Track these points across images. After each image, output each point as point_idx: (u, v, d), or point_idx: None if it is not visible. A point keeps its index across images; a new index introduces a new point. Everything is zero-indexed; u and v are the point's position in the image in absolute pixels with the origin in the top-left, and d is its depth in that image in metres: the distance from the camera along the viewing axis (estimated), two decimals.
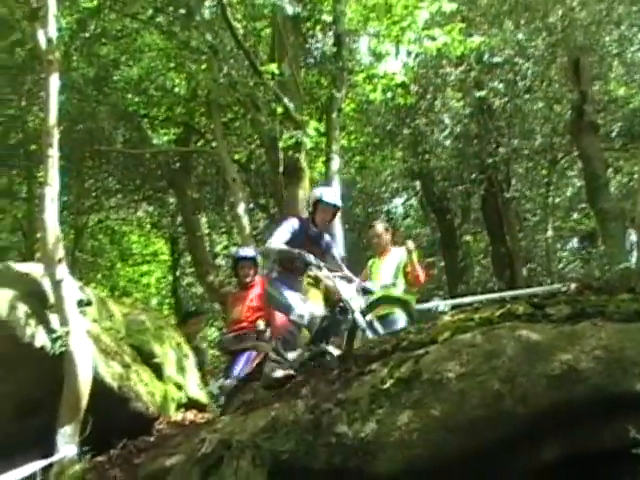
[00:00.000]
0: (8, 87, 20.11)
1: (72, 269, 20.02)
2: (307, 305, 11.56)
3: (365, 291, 11.66)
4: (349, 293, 11.14)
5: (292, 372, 11.08)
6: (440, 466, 7.21)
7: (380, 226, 13.61)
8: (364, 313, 11.09)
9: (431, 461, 7.29)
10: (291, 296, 11.35)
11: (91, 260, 26.64)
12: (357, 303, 11.14)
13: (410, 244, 12.86)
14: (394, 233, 13.98)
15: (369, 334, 10.92)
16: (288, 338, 11.49)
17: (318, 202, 11.54)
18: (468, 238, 24.81)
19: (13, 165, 22.33)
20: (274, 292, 11.66)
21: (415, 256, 12.83)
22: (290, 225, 11.71)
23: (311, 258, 11.08)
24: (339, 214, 12.34)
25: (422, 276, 12.92)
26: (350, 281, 11.53)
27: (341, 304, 11.19)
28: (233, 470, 7.73)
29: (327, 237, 11.80)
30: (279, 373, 11.11)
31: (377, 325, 11.33)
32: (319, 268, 11.30)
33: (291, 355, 11.45)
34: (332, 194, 11.83)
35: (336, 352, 11.02)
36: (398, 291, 12.78)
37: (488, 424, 7.24)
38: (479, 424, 7.25)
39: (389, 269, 12.87)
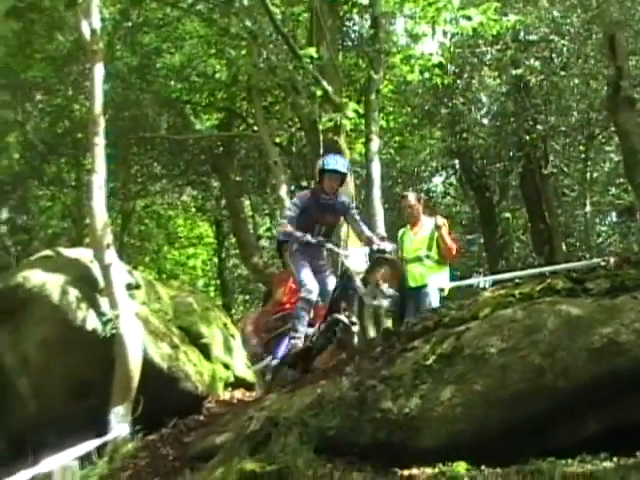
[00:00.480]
0: (54, 77, 20.22)
1: (120, 253, 20.23)
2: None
3: (381, 251, 11.63)
4: (352, 262, 11.17)
5: (310, 345, 11.13)
6: (482, 440, 7.13)
7: (412, 196, 13.52)
8: (366, 279, 11.08)
9: (474, 435, 7.24)
10: (304, 271, 11.34)
11: (138, 244, 26.78)
12: (358, 270, 11.15)
13: (439, 219, 12.81)
14: (426, 203, 13.92)
15: (369, 301, 10.96)
16: (301, 314, 11.46)
17: (322, 171, 11.55)
18: (507, 215, 24.67)
19: (61, 153, 22.48)
20: (292, 266, 11.69)
21: (445, 231, 12.77)
22: (297, 200, 11.73)
23: (308, 238, 11.04)
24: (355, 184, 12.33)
25: (454, 249, 12.88)
26: (369, 242, 11.52)
27: (348, 273, 11.23)
28: (281, 446, 7.71)
29: (344, 200, 11.73)
30: (297, 348, 11.17)
31: (381, 291, 11.30)
32: (321, 244, 11.29)
33: (310, 330, 11.45)
34: (335, 161, 11.75)
35: (346, 320, 11.04)
36: (427, 265, 12.69)
37: (529, 398, 7.18)
38: (521, 398, 7.20)
39: (421, 239, 12.82)
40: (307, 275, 11.23)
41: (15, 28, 19.04)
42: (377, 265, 11.18)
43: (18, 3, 12.90)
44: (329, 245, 11.28)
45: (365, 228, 11.71)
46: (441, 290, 12.67)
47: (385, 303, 10.99)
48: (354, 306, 11.39)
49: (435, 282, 12.59)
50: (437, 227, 12.64)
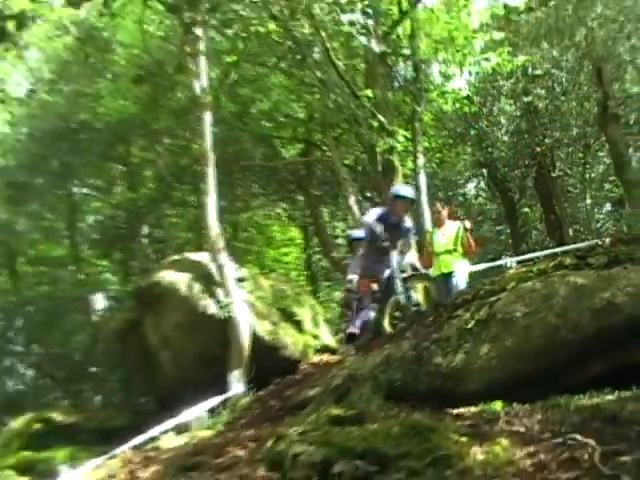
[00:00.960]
0: (176, 125, 20.48)
1: (231, 255, 20.38)
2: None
3: (414, 268, 11.64)
4: (395, 264, 11.06)
5: (355, 331, 11.08)
6: (513, 384, 7.21)
7: (439, 205, 13.60)
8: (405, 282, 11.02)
9: (506, 381, 7.30)
10: (353, 267, 11.32)
11: (245, 247, 26.82)
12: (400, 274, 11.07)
13: (467, 223, 12.83)
14: (450, 210, 13.92)
15: (402, 299, 10.85)
16: (348, 302, 11.44)
17: (396, 197, 11.47)
18: (526, 209, 24.36)
19: (184, 182, 22.73)
20: (351, 262, 11.69)
21: (469, 232, 12.75)
22: (376, 211, 11.72)
23: (378, 229, 10.98)
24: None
25: (474, 247, 12.83)
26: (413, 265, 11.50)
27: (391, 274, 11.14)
28: (358, 395, 7.80)
29: (407, 224, 11.66)
30: (348, 331, 11.17)
31: (412, 293, 11.24)
32: (384, 240, 11.16)
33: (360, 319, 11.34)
34: (407, 190, 11.75)
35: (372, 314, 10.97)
36: (454, 256, 12.65)
37: (548, 350, 7.22)
38: (541, 350, 7.24)
39: (448, 237, 12.77)
40: (354, 269, 11.20)
41: (146, 90, 19.44)
42: (416, 278, 11.22)
43: (139, 72, 12.93)
44: (386, 243, 11.19)
45: (412, 250, 11.74)
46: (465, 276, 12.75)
47: (413, 309, 10.91)
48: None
49: (461, 269, 12.57)
50: (465, 229, 12.66)
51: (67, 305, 25.09)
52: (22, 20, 5.50)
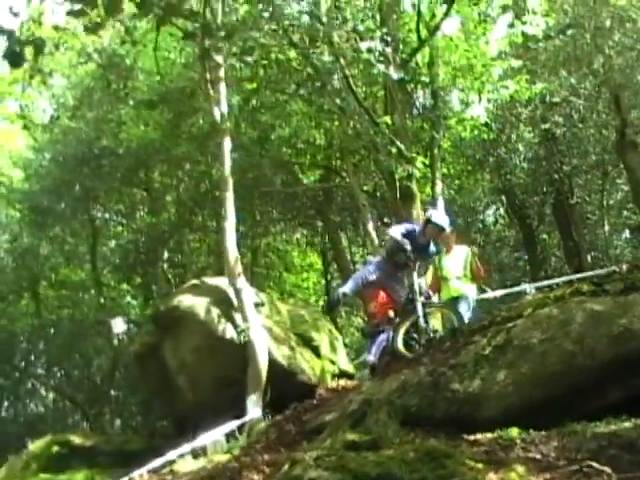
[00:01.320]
0: (197, 151, 20.60)
1: (251, 280, 20.42)
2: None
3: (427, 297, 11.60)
4: (419, 287, 11.00)
5: (372, 359, 11.01)
6: (529, 411, 7.17)
7: (448, 230, 13.57)
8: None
9: (523, 407, 7.27)
10: (361, 275, 11.28)
11: (265, 272, 26.87)
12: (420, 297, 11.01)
13: (474, 249, 12.86)
14: (458, 235, 13.90)
15: (422, 322, 10.78)
16: (369, 332, 11.40)
17: (428, 221, 11.46)
18: (544, 236, 24.31)
19: (204, 207, 22.80)
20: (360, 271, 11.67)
21: (476, 257, 12.75)
22: (407, 226, 11.72)
23: (408, 247, 10.89)
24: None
25: (482, 271, 12.79)
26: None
27: (411, 296, 11.07)
28: (374, 421, 7.74)
29: (434, 249, 11.64)
30: (369, 360, 11.09)
31: (428, 318, 11.20)
32: (411, 260, 11.09)
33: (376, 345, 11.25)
34: (441, 217, 11.72)
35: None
36: (463, 280, 12.59)
37: (565, 376, 7.20)
38: (558, 377, 7.22)
39: (457, 262, 12.73)
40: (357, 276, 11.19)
41: (167, 117, 19.62)
42: (437, 305, 11.19)
43: (153, 97, 12.98)
44: (412, 261, 11.11)
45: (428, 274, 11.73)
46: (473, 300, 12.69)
47: (431, 334, 10.84)
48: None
49: (470, 293, 12.55)
50: (473, 254, 12.67)
51: (88, 329, 25.22)
52: (40, 46, 5.51)
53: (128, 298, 27.60)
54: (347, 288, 11.46)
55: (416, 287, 11.03)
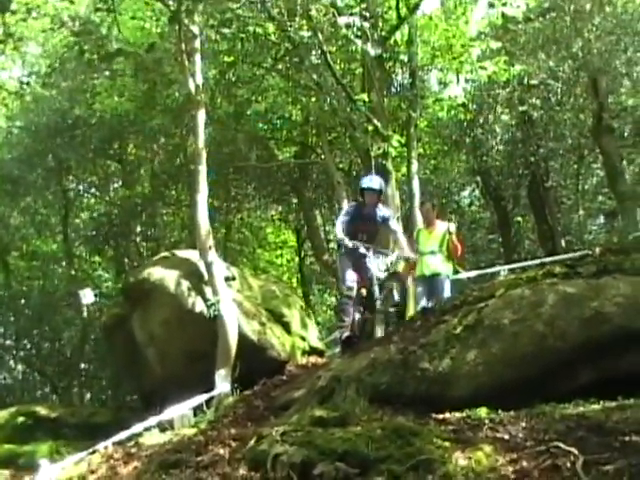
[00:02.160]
0: (172, 123, 20.37)
1: (224, 256, 20.39)
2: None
3: (406, 259, 11.51)
4: (374, 269, 10.87)
5: (349, 334, 10.91)
6: (499, 391, 7.21)
7: (429, 204, 13.45)
8: (382, 285, 10.83)
9: (492, 387, 7.31)
10: (347, 271, 11.10)
11: (238, 248, 26.72)
12: (377, 274, 10.90)
13: (452, 226, 12.68)
14: (439, 210, 13.81)
15: (379, 306, 10.66)
16: (344, 307, 11.21)
17: (362, 189, 11.40)
18: (519, 219, 24.37)
19: (178, 181, 22.59)
20: (338, 266, 11.55)
21: (454, 236, 12.58)
22: (346, 211, 11.66)
23: (346, 242, 10.71)
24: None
25: (459, 250, 12.66)
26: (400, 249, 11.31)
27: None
28: (342, 398, 7.75)
29: (384, 214, 11.48)
30: (343, 335, 10.96)
31: (392, 298, 11.08)
32: (355, 246, 10.92)
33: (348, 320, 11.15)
34: (370, 180, 11.57)
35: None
36: (439, 258, 12.46)
37: (535, 358, 7.26)
38: (528, 358, 7.28)
39: (434, 239, 12.61)
40: (349, 274, 10.99)
41: (142, 88, 19.36)
42: (391, 278, 10.99)
43: (109, 50, 12.64)
44: (362, 249, 10.93)
45: (399, 236, 11.51)
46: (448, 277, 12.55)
47: (391, 310, 10.76)
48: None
49: (446, 272, 12.42)
50: (449, 232, 12.49)
51: (58, 301, 24.98)
52: (5, 4, 5.32)
53: (100, 271, 27.41)
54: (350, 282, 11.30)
55: (373, 269, 10.93)
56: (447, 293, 12.21)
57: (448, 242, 12.46)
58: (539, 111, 21.25)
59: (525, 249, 24.16)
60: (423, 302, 12.30)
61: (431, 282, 12.36)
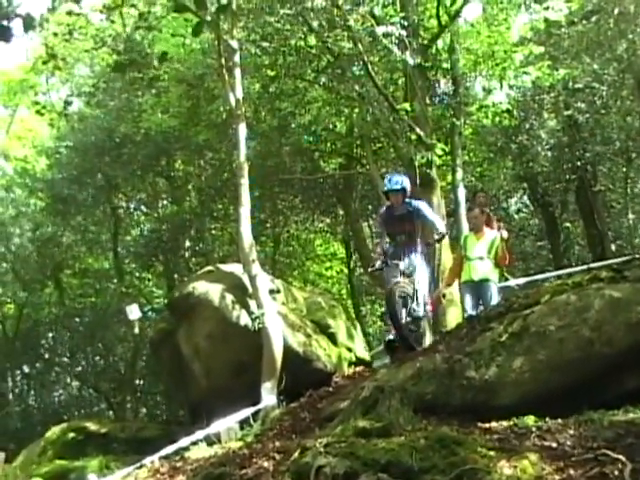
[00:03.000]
0: (217, 138, 20.48)
1: (273, 269, 20.45)
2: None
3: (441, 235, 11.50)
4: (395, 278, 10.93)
5: (391, 337, 10.91)
6: (546, 398, 7.12)
7: (477, 210, 13.21)
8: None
9: (539, 395, 7.24)
10: (391, 274, 11.12)
11: (287, 261, 26.75)
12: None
13: (504, 233, 12.44)
14: (488, 216, 13.54)
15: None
16: (387, 309, 11.24)
17: (385, 193, 11.45)
18: (568, 225, 24.01)
19: (225, 195, 22.63)
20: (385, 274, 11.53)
21: (504, 243, 12.37)
22: (379, 217, 11.76)
23: (376, 265, 11.35)
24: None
25: (507, 258, 12.43)
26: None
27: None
28: (386, 408, 7.63)
29: (413, 204, 11.41)
30: (386, 338, 11.00)
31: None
32: (380, 268, 11.28)
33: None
34: (390, 182, 11.52)
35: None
36: (488, 264, 12.24)
37: (582, 363, 7.15)
38: (575, 364, 7.18)
39: (483, 245, 12.39)
40: (393, 277, 10.99)
41: (186, 104, 19.53)
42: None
43: (122, 60, 12.66)
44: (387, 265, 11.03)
45: (436, 220, 11.49)
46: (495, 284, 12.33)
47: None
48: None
49: (493, 278, 12.16)
50: (502, 239, 12.27)
51: (110, 317, 25.27)
52: (29, 21, 5.31)
53: (151, 287, 27.66)
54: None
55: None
56: (495, 300, 12.01)
57: (497, 249, 12.25)
58: (585, 115, 20.93)
59: (575, 255, 23.80)
60: (469, 308, 12.13)
61: (479, 288, 12.15)
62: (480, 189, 16.37)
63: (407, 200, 11.49)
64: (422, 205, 11.75)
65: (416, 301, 11.08)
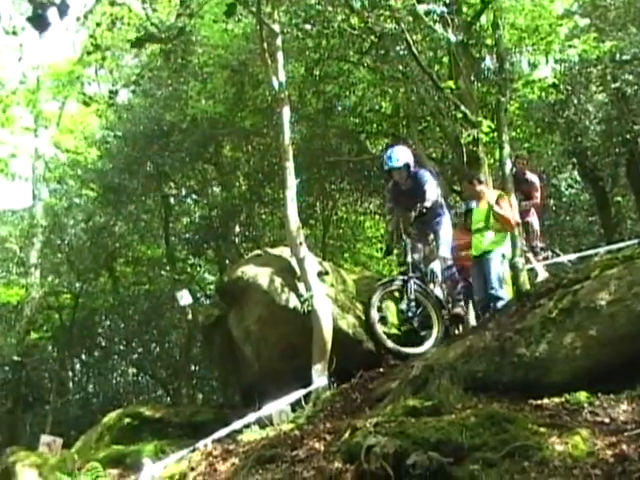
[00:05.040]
0: (263, 123, 20.49)
1: (324, 252, 20.42)
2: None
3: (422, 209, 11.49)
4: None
5: (460, 311, 10.95)
6: (598, 374, 7.06)
7: (465, 182, 13.11)
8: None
9: (591, 371, 7.18)
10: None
11: (337, 244, 26.66)
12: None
13: (492, 196, 12.27)
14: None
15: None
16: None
17: (387, 171, 11.42)
18: (619, 199, 23.55)
19: (273, 179, 22.59)
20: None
21: (498, 206, 12.07)
22: (386, 193, 11.80)
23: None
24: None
25: (510, 220, 12.09)
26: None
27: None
28: (436, 387, 7.65)
29: (420, 179, 11.33)
30: (454, 311, 11.11)
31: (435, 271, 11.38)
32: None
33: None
34: (391, 160, 11.45)
35: None
36: (486, 236, 11.98)
37: (634, 338, 7.06)
38: (627, 339, 7.11)
39: (480, 213, 12.19)
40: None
41: (231, 91, 19.57)
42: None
43: (138, 35, 12.61)
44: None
45: (427, 192, 11.66)
46: (503, 256, 12.04)
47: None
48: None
49: (497, 250, 11.89)
50: (490, 205, 12.06)
51: (163, 304, 25.52)
52: (64, 9, 5.33)
53: (202, 273, 27.84)
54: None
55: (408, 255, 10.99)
56: (494, 273, 11.69)
57: (493, 214, 11.99)
58: (633, 87, 20.46)
59: (628, 229, 23.36)
60: (476, 288, 11.97)
61: (480, 262, 11.94)
62: (516, 155, 16.13)
63: (412, 172, 11.36)
64: (424, 174, 11.61)
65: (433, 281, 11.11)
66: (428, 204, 11.41)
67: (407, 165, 11.36)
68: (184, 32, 14.91)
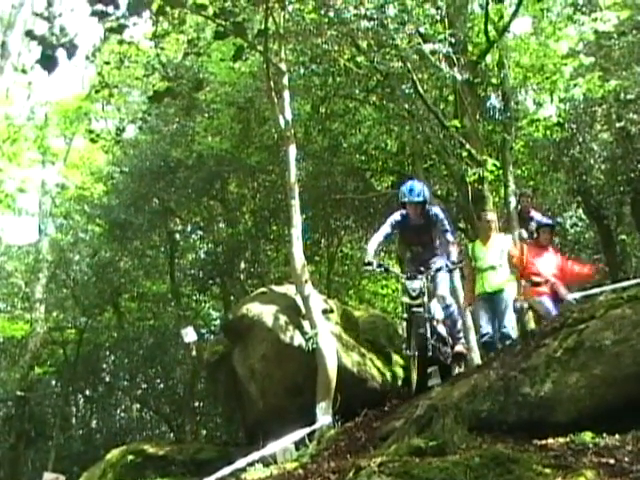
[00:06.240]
0: (269, 160, 20.59)
1: (329, 289, 20.40)
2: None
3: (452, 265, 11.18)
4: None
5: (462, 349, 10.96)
6: (603, 414, 7.03)
7: (489, 215, 13.07)
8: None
9: (596, 410, 7.15)
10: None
11: (342, 281, 26.66)
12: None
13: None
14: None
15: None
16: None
17: (403, 203, 11.25)
18: (624, 237, 23.56)
19: (278, 216, 22.68)
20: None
21: (513, 250, 12.22)
22: (391, 219, 11.49)
23: (368, 258, 11.19)
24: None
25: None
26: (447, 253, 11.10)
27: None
28: (441, 426, 7.58)
29: (434, 215, 11.22)
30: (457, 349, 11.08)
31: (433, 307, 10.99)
32: (375, 267, 11.45)
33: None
34: (411, 193, 11.23)
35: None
36: (504, 272, 11.97)
37: (639, 378, 7.02)
38: (632, 379, 7.07)
39: (494, 251, 12.14)
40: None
41: (237, 127, 19.71)
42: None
43: (157, 89, 12.72)
44: (389, 270, 11.27)
45: (450, 244, 11.23)
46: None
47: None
48: None
49: (509, 290, 11.88)
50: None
51: (168, 340, 25.50)
52: (72, 50, 5.41)
53: (207, 309, 27.85)
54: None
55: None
56: (509, 314, 11.69)
57: (509, 256, 12.01)
58: (637, 126, 20.54)
59: (632, 267, 23.33)
60: (485, 324, 11.91)
61: (493, 300, 11.90)
62: (521, 193, 16.17)
63: (427, 209, 11.33)
64: (441, 215, 11.49)
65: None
66: (455, 259, 11.21)
67: (425, 201, 11.27)
68: (202, 87, 15.02)
